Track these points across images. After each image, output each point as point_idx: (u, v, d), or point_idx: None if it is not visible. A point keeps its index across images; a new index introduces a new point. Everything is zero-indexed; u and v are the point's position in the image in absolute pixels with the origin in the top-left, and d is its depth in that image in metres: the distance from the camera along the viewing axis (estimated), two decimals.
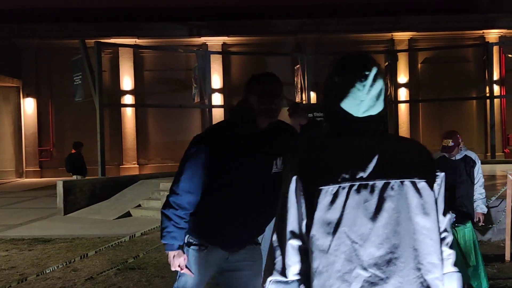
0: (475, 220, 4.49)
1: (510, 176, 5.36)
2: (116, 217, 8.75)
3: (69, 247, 6.49)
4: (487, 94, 15.83)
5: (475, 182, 4.56)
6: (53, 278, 5.01)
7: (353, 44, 17.55)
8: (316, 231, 1.26)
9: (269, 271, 1.32)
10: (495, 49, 16.54)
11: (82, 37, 12.35)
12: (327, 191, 1.26)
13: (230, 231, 2.34)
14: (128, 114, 17.75)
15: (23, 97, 17.63)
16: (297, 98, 16.19)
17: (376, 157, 1.29)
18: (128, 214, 8.93)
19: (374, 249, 1.25)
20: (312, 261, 1.27)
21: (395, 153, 1.34)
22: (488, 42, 16.68)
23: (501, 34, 18.05)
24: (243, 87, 2.39)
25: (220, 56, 17.47)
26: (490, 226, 6.23)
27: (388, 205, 1.26)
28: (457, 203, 4.54)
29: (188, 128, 17.77)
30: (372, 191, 1.26)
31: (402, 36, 18.12)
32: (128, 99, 17.61)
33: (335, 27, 17.72)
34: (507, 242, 5.41)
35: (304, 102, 15.67)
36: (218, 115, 17.51)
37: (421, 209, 1.29)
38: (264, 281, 1.33)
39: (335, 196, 1.26)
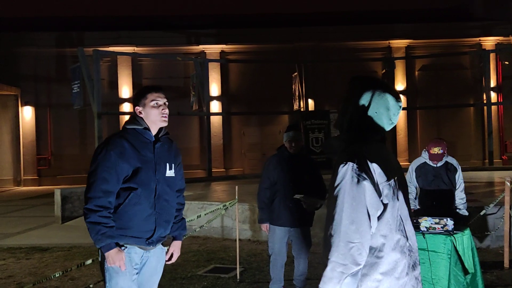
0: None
1: (508, 183, 5.37)
2: None
3: (67, 256, 6.47)
4: (484, 101, 15.90)
5: (457, 187, 4.67)
6: (51, 287, 4.99)
7: (350, 51, 17.64)
8: (389, 217, 1.68)
9: (344, 264, 1.61)
10: (492, 56, 16.64)
11: (81, 46, 12.40)
12: (387, 185, 1.69)
13: (141, 230, 2.59)
14: None
15: (22, 105, 17.63)
16: (295, 106, 16.24)
17: (393, 158, 1.85)
18: None
19: (409, 225, 1.76)
20: (386, 242, 1.68)
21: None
22: (484, 49, 16.81)
23: (498, 41, 18.16)
24: (135, 97, 2.72)
25: (218, 64, 17.53)
26: (489, 233, 6.23)
27: (404, 192, 1.78)
28: (446, 208, 4.61)
29: (186, 136, 17.77)
30: (399, 182, 1.76)
31: (399, 43, 18.23)
32: (126, 107, 17.62)
33: (332, 35, 17.81)
34: (506, 249, 5.41)
35: (302, 109, 15.72)
36: (216, 122, 17.56)
37: None
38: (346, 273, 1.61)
39: (390, 189, 1.70)
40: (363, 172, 1.65)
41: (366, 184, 1.64)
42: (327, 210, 1.74)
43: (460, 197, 4.64)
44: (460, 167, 4.70)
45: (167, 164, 2.70)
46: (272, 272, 4.36)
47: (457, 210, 4.65)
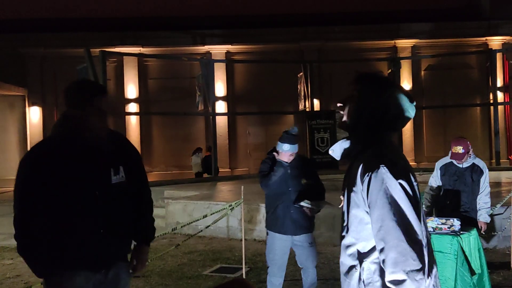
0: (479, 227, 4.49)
1: None
2: None
3: None
4: (491, 101, 15.81)
5: (481, 191, 4.52)
6: None
7: (356, 51, 17.60)
8: (423, 217, 1.63)
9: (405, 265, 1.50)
10: (499, 55, 16.53)
11: (87, 46, 12.46)
12: (416, 186, 1.63)
13: (84, 250, 2.18)
14: (133, 122, 17.83)
15: (29, 106, 17.75)
16: (300, 106, 16.23)
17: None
18: None
19: (426, 223, 1.70)
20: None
21: None
22: (491, 49, 16.69)
23: (504, 41, 18.04)
24: (70, 95, 2.29)
25: (224, 64, 17.56)
26: (495, 233, 6.20)
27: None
28: (461, 210, 4.53)
29: (192, 136, 17.82)
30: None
31: (405, 43, 18.16)
32: (132, 107, 17.70)
33: (337, 34, 17.78)
34: None
35: (307, 109, 15.71)
36: (222, 122, 17.58)
37: None
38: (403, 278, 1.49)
39: (417, 189, 1.63)
40: (399, 172, 1.58)
41: (404, 183, 1.57)
42: (346, 212, 1.68)
43: (484, 201, 4.51)
44: (487, 170, 4.56)
45: (112, 169, 2.26)
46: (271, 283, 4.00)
47: (479, 215, 4.53)
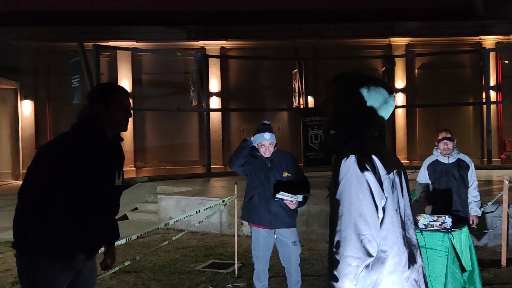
0: (469, 222, 4.53)
1: (506, 182, 5.39)
2: None
3: None
4: (484, 100, 15.92)
5: (469, 185, 4.59)
6: None
7: (350, 49, 17.62)
8: (390, 210, 1.69)
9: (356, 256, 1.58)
10: (492, 55, 16.63)
11: (80, 40, 12.37)
12: (387, 178, 1.69)
13: (88, 240, 2.35)
14: None
15: (21, 99, 17.59)
16: (294, 103, 16.23)
17: (391, 152, 1.88)
18: (124, 217, 8.92)
19: (409, 218, 1.79)
20: (388, 235, 1.68)
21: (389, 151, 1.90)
22: (484, 48, 16.79)
23: (498, 40, 18.14)
24: (95, 93, 2.47)
25: (218, 60, 17.50)
26: (486, 231, 6.25)
27: (403, 186, 1.80)
28: (452, 208, 4.56)
29: (185, 132, 17.76)
30: (398, 176, 1.77)
31: (399, 41, 18.21)
32: None
33: (333, 32, 17.78)
34: (503, 248, 5.43)
35: (301, 106, 15.72)
36: (215, 118, 17.55)
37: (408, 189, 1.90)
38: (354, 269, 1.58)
39: (390, 182, 1.71)
40: (366, 163, 1.65)
41: (369, 175, 1.65)
42: (331, 208, 1.73)
43: (473, 195, 4.57)
44: (473, 164, 4.62)
45: (117, 171, 2.43)
46: (256, 284, 3.97)
47: (469, 209, 4.57)
